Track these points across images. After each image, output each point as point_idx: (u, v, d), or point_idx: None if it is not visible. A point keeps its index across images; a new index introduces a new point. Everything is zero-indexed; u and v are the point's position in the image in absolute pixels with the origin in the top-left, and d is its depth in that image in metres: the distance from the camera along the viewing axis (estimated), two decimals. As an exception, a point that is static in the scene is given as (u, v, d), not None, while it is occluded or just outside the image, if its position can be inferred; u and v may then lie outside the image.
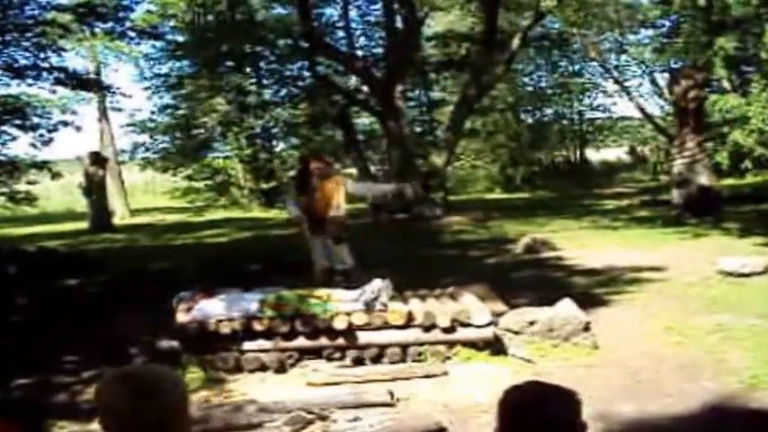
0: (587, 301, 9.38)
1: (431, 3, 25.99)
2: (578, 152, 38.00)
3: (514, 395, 2.43)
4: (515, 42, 23.19)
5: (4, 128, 17.48)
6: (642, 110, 34.37)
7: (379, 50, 28.86)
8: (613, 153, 40.10)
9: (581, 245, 15.12)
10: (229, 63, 30.52)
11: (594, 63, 35.84)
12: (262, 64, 31.65)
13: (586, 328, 7.80)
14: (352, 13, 29.92)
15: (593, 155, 39.13)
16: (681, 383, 6.69)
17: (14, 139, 17.78)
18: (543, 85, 37.18)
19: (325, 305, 7.73)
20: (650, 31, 34.52)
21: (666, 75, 28.20)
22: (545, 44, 33.08)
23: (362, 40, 31.77)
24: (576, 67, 37.10)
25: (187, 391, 2.31)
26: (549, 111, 37.39)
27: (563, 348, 7.64)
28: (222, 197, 30.92)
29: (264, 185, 29.89)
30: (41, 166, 18.09)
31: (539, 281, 11.77)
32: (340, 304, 7.76)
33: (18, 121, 17.60)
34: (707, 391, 6.47)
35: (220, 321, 7.67)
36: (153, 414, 2.12)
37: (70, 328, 9.42)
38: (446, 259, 14.45)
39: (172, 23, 30.67)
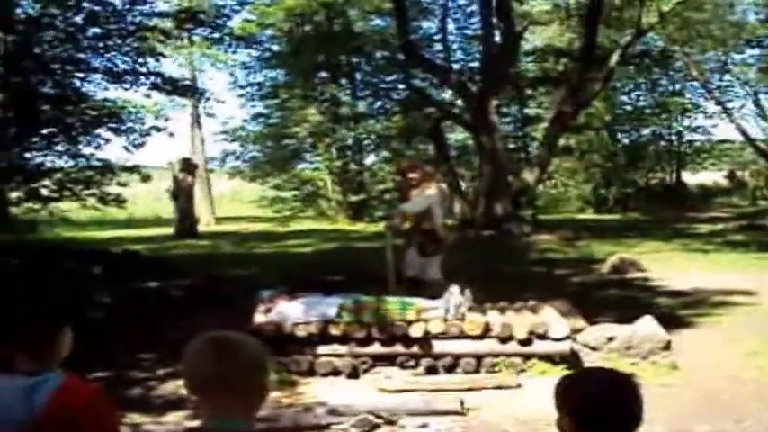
0: (670, 321, 9.14)
1: (530, 17, 25.78)
2: (675, 175, 37.00)
3: (584, 383, 2.44)
4: (614, 59, 22.88)
5: (99, 131, 17.76)
6: (743, 132, 33.48)
7: (476, 64, 28.70)
8: (711, 177, 39.05)
9: (670, 267, 14.75)
10: (324, 74, 30.75)
11: (696, 83, 35.00)
12: (357, 75, 31.83)
13: (666, 348, 7.60)
14: (450, 27, 29.91)
15: (689, 178, 38.14)
16: (760, 409, 6.47)
17: (108, 141, 18.03)
18: (641, 104, 36.29)
19: (404, 304, 7.72)
20: (756, 51, 33.64)
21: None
22: (645, 62, 32.28)
23: (459, 54, 31.67)
24: (677, 86, 36.14)
25: (267, 356, 2.51)
26: (646, 131, 36.44)
27: (641, 367, 7.45)
28: (309, 208, 31.01)
29: (353, 198, 29.92)
30: (132, 169, 18.29)
31: (622, 300, 11.54)
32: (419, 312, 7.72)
33: (113, 125, 17.85)
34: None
35: (297, 324, 7.71)
36: (232, 370, 2.33)
37: (149, 327, 9.63)
38: (530, 276, 14.26)
39: (269, 32, 31.10)
